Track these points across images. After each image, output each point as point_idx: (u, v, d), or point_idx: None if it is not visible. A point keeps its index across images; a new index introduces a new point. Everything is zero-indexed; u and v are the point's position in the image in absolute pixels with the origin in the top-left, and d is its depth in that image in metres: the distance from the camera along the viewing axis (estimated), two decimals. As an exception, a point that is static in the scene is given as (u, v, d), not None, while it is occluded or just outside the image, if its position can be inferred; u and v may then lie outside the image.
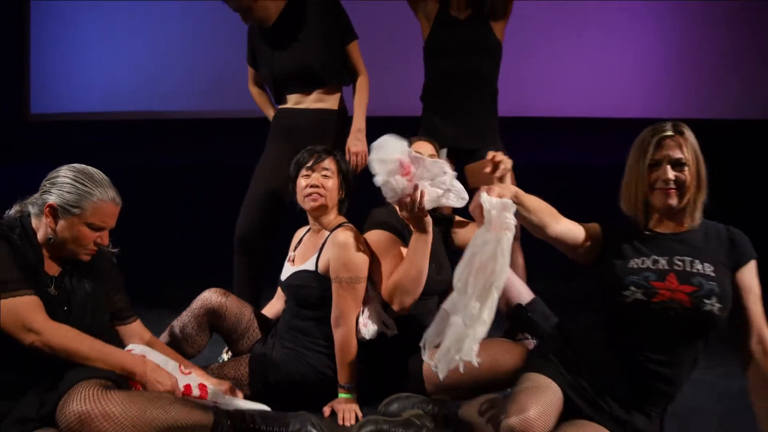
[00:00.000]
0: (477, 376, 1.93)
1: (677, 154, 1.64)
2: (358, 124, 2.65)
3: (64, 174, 1.70)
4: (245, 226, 2.60)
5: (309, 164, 2.16)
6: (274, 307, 2.40)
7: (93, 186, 1.69)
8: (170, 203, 4.65)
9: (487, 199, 1.58)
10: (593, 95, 4.80)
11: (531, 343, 2.11)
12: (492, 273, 1.55)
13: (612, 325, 1.66)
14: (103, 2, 5.12)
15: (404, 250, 2.13)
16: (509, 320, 2.23)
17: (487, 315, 1.57)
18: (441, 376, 1.63)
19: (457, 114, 2.72)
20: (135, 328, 1.91)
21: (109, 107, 5.16)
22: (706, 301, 1.56)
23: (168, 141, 5.06)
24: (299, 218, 2.28)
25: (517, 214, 1.62)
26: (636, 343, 1.62)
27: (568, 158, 4.82)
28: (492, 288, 1.56)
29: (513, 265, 2.43)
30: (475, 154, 2.64)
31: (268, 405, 1.90)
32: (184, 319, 2.17)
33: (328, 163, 2.17)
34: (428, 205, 1.90)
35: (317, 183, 2.13)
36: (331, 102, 2.71)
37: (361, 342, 2.07)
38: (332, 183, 2.15)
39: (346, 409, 2.00)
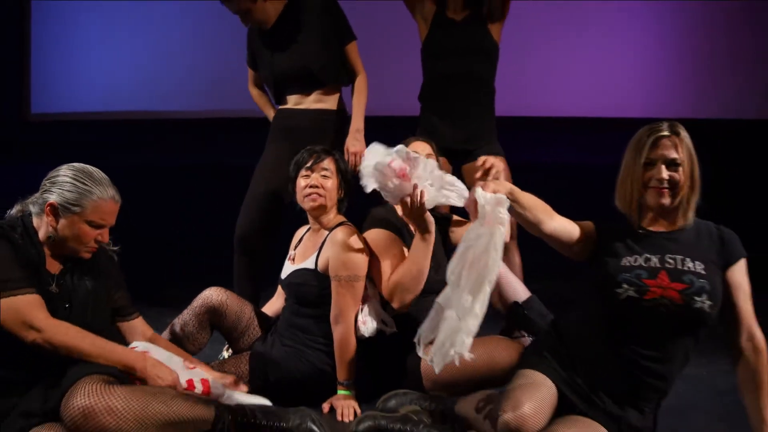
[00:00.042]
0: (474, 373, 1.96)
1: (672, 154, 1.66)
2: (357, 124, 2.66)
3: (64, 173, 1.72)
4: (245, 226, 2.61)
5: (308, 164, 2.18)
6: (274, 305, 2.41)
7: (93, 184, 1.71)
8: (170, 203, 4.65)
9: (481, 194, 1.60)
10: (593, 95, 4.80)
11: (527, 340, 2.13)
12: (485, 267, 1.57)
13: (605, 322, 1.68)
14: (103, 2, 5.12)
15: (404, 249, 2.15)
16: (506, 318, 2.25)
17: (479, 308, 1.59)
18: (437, 369, 1.65)
19: (455, 115, 2.73)
20: (137, 324, 1.92)
21: (110, 107, 5.17)
22: (697, 298, 1.59)
23: (168, 141, 5.06)
24: (299, 218, 2.30)
25: (511, 210, 1.65)
26: (628, 340, 1.64)
27: (567, 158, 4.82)
28: (484, 281, 1.58)
29: (510, 264, 2.46)
30: (472, 155, 2.67)
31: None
32: (185, 318, 2.19)
33: (328, 163, 2.18)
34: (429, 204, 1.92)
35: (317, 183, 2.15)
36: (330, 102, 2.73)
37: (360, 340, 2.09)
38: (331, 183, 2.17)
39: (345, 405, 2.02)
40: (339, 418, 1.98)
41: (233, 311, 2.22)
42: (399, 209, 2.24)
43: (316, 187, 2.15)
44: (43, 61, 5.27)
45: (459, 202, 1.88)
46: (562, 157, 4.82)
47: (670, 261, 1.64)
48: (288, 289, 2.21)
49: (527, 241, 2.25)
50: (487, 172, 1.85)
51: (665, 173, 1.65)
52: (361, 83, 2.73)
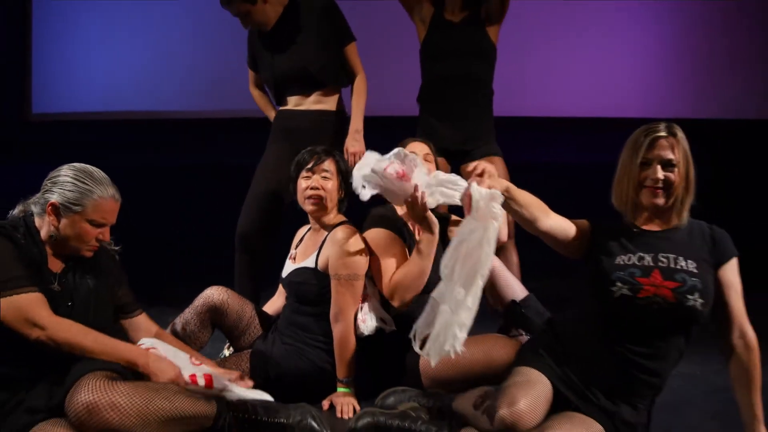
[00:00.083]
0: (472, 371, 1.98)
1: (669, 155, 1.68)
2: (356, 124, 2.68)
3: (65, 173, 1.74)
4: (246, 225, 2.63)
5: (309, 166, 2.19)
6: (275, 303, 2.43)
7: (93, 184, 1.73)
8: (170, 203, 4.64)
9: (476, 189, 1.62)
10: (592, 95, 4.79)
11: (525, 338, 2.15)
12: (477, 260, 1.59)
13: (599, 320, 1.70)
14: (104, 2, 5.13)
15: (404, 248, 2.17)
16: (504, 317, 2.27)
17: (471, 301, 1.61)
18: (432, 363, 1.68)
19: (454, 116, 2.74)
20: (141, 321, 1.93)
21: (110, 107, 5.17)
22: (689, 296, 1.61)
23: (168, 141, 5.05)
24: (300, 218, 2.32)
25: (508, 207, 1.67)
26: (622, 337, 1.66)
27: (567, 158, 4.81)
28: (477, 275, 1.60)
29: (508, 263, 2.48)
30: (470, 155, 2.69)
31: (269, 399, 1.93)
32: (186, 316, 2.20)
33: (328, 164, 2.20)
34: (431, 203, 1.94)
35: (317, 185, 2.17)
36: (330, 103, 2.74)
37: (360, 338, 2.11)
38: (332, 184, 2.19)
39: (344, 402, 2.04)
40: (338, 414, 2.01)
41: (234, 310, 2.24)
42: (399, 209, 2.26)
43: (317, 188, 2.16)
44: (44, 61, 5.27)
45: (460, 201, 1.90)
46: (561, 157, 4.82)
47: (663, 260, 1.66)
48: (288, 287, 2.23)
49: (524, 240, 2.27)
50: (480, 176, 1.87)
51: (661, 173, 1.68)
52: (360, 84, 2.75)
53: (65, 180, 1.72)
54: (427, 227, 2.03)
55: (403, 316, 2.13)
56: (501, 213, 1.61)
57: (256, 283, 2.67)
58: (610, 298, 1.65)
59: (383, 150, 2.03)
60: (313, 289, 2.14)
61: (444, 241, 2.37)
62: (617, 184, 1.76)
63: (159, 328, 1.98)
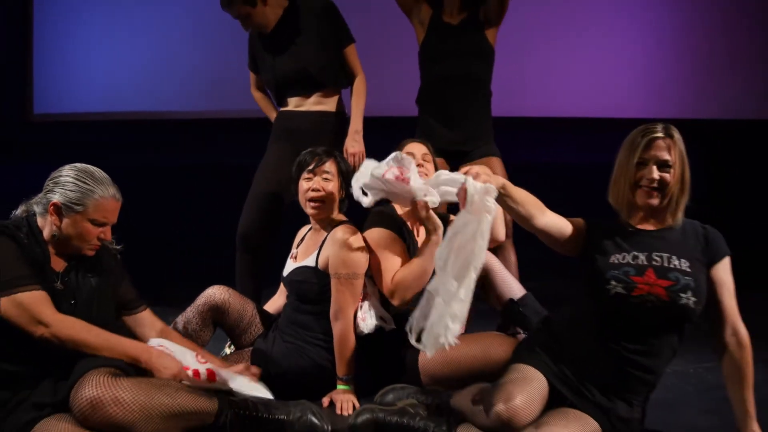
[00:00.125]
0: (470, 369, 2.00)
1: (665, 156, 1.70)
2: (356, 125, 2.70)
3: (67, 173, 1.76)
4: (247, 225, 2.65)
5: (311, 167, 2.21)
6: (276, 302, 2.44)
7: (94, 184, 1.75)
8: (170, 203, 4.65)
9: (471, 183, 1.65)
10: (592, 95, 4.78)
11: (522, 337, 2.16)
12: (471, 253, 1.61)
13: (594, 318, 1.72)
14: (104, 3, 5.14)
15: (404, 247, 2.18)
16: (502, 315, 2.29)
17: (464, 293, 1.63)
18: (428, 354, 1.70)
19: (453, 117, 2.76)
20: (146, 316, 1.94)
21: (111, 107, 5.17)
22: (682, 295, 1.63)
23: (168, 141, 5.05)
24: (300, 217, 2.33)
25: (504, 205, 1.69)
26: (616, 334, 1.68)
27: (567, 158, 4.81)
28: (470, 267, 1.62)
29: (506, 262, 2.49)
30: (469, 156, 2.70)
31: (269, 397, 1.95)
32: (188, 315, 2.22)
33: (329, 165, 2.21)
34: (432, 203, 1.96)
35: (319, 186, 2.18)
36: (330, 104, 2.76)
37: (360, 336, 2.12)
38: (333, 185, 2.20)
39: (344, 399, 2.05)
40: (338, 411, 2.02)
41: (235, 309, 2.25)
42: (398, 209, 2.28)
43: (318, 190, 2.18)
44: (46, 62, 5.28)
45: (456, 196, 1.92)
46: (561, 157, 4.81)
47: (657, 259, 1.69)
48: (289, 286, 2.25)
49: (522, 239, 2.28)
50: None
51: (656, 174, 1.69)
52: (360, 85, 2.76)
53: (67, 180, 1.74)
54: (431, 226, 2.05)
55: (402, 314, 2.13)
56: (495, 207, 1.64)
57: (258, 283, 2.69)
58: (604, 296, 1.67)
59: (383, 150, 2.05)
60: (314, 287, 2.15)
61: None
62: (614, 183, 1.78)
63: (164, 324, 1.99)
